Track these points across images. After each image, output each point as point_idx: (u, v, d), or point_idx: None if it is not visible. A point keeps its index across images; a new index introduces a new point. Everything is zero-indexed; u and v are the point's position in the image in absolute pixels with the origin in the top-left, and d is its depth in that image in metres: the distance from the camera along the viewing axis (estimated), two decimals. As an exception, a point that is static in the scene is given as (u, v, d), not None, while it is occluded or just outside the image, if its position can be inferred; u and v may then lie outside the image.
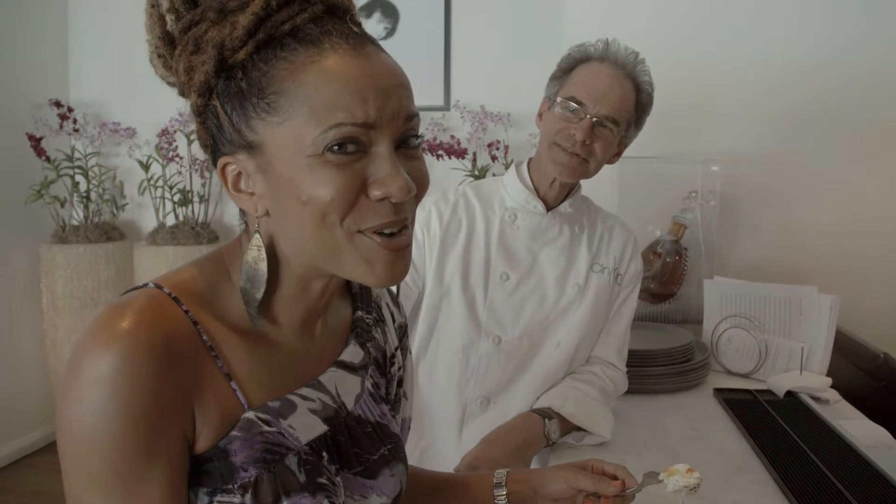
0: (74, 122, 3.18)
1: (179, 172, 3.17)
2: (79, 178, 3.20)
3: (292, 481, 0.65)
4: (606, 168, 1.40)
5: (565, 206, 1.39)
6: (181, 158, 3.12)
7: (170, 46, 0.65)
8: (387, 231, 0.63)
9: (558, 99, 1.32)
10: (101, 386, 0.57)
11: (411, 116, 0.64)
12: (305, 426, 0.68)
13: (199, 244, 3.07)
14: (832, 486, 1.12)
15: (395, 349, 0.86)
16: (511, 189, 1.40)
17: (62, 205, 3.15)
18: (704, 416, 1.49)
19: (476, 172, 2.86)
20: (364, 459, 0.74)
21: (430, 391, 1.37)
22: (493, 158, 2.87)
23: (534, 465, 1.27)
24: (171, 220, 3.19)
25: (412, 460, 0.87)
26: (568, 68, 1.35)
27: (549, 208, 1.39)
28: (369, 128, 0.61)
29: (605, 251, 1.42)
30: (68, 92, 3.38)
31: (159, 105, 3.07)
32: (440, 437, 1.36)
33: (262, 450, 0.64)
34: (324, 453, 0.69)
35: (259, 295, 0.65)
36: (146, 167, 3.15)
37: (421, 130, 0.67)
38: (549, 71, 1.38)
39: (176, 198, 3.16)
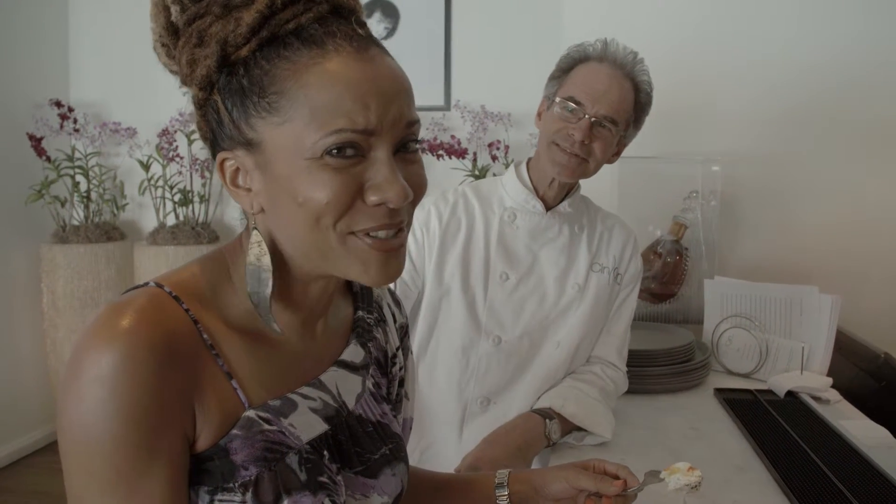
0: (75, 121, 3.18)
1: (180, 172, 3.17)
2: (79, 177, 3.21)
3: (293, 480, 0.65)
4: (607, 168, 1.40)
5: (565, 206, 1.39)
6: (181, 158, 3.12)
7: (173, 37, 0.65)
8: (381, 234, 0.63)
9: (557, 99, 1.32)
10: (101, 385, 0.57)
11: (412, 123, 0.64)
12: (306, 425, 0.68)
13: (199, 244, 3.07)
14: (833, 486, 1.12)
15: (397, 349, 0.86)
16: (510, 189, 1.40)
17: (63, 205, 3.15)
18: (705, 416, 1.49)
19: (476, 172, 2.85)
20: (365, 459, 0.74)
21: (431, 391, 1.37)
22: (494, 158, 2.87)
23: (534, 465, 1.27)
24: (171, 220, 3.19)
25: (412, 460, 0.87)
26: (567, 68, 1.35)
27: (548, 208, 1.39)
28: (369, 134, 0.61)
29: (604, 251, 1.42)
30: (69, 92, 3.38)
31: (160, 105, 3.08)
32: (440, 438, 1.36)
33: (263, 448, 0.64)
34: (325, 452, 0.69)
35: (268, 292, 0.65)
36: (146, 167, 3.15)
37: (421, 130, 0.67)
38: (550, 71, 1.38)
39: (176, 198, 3.16)
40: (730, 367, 1.80)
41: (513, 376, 1.36)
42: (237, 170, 0.65)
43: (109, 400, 0.57)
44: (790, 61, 2.15)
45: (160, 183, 3.17)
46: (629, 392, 1.49)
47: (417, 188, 0.65)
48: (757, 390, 1.61)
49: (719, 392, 1.61)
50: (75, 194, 3.20)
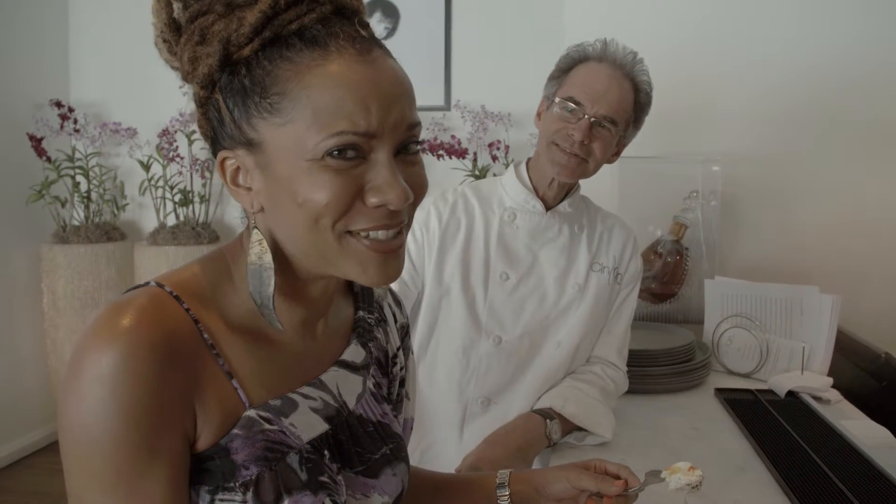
0: (75, 122, 3.18)
1: (180, 172, 3.17)
2: (79, 178, 3.21)
3: (294, 480, 0.65)
4: (607, 168, 1.40)
5: (564, 206, 1.39)
6: (182, 158, 3.12)
7: (175, 33, 0.65)
8: (381, 234, 0.63)
9: (556, 99, 1.32)
10: (102, 384, 0.57)
11: (413, 125, 0.64)
12: (307, 425, 0.68)
13: (199, 244, 3.07)
14: (833, 486, 1.12)
15: (398, 349, 0.86)
16: (510, 189, 1.40)
17: (63, 205, 3.15)
18: (705, 416, 1.49)
19: (477, 172, 2.86)
20: (366, 459, 0.74)
21: (431, 392, 1.36)
22: (494, 158, 2.87)
23: (535, 465, 1.27)
24: (171, 221, 3.19)
25: (412, 461, 0.87)
26: (566, 68, 1.34)
27: (548, 208, 1.39)
28: (370, 137, 0.61)
29: (604, 250, 1.42)
30: (69, 92, 3.38)
31: (160, 105, 3.08)
32: (441, 438, 1.36)
33: (264, 448, 0.64)
34: (325, 452, 0.69)
35: (271, 290, 0.64)
36: (147, 167, 3.15)
37: (422, 130, 0.67)
38: (550, 71, 1.38)
39: (177, 198, 3.17)
40: (730, 367, 1.80)
41: (513, 376, 1.36)
42: (238, 169, 0.65)
43: (110, 399, 0.57)
44: (790, 61, 2.15)
45: (160, 183, 3.17)
46: (629, 392, 1.49)
47: (418, 189, 0.65)
48: (757, 390, 1.61)
49: (720, 392, 1.61)
50: (76, 194, 3.21)
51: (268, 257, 0.65)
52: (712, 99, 2.21)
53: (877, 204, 2.15)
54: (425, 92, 2.90)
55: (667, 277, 2.00)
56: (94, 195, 3.24)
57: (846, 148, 2.15)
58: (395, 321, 0.87)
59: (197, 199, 3.17)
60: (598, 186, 1.59)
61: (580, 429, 1.31)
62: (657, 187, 2.13)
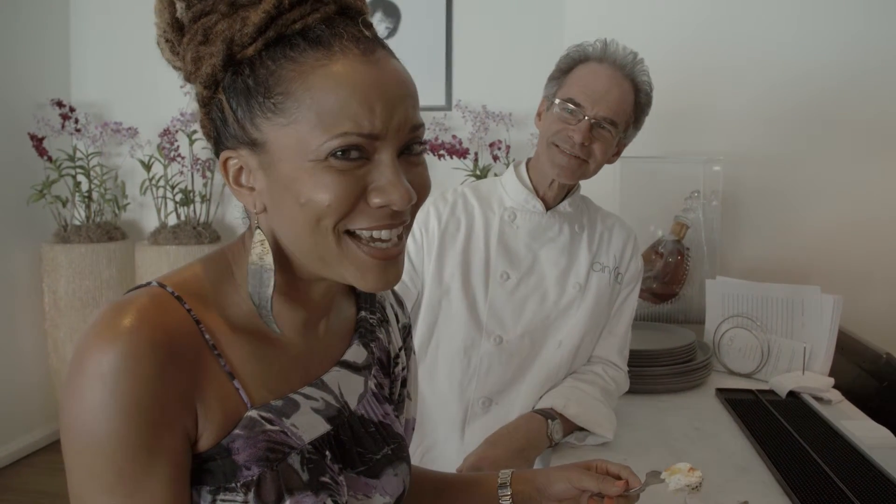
0: (76, 121, 3.18)
1: (181, 172, 3.17)
2: (80, 177, 3.21)
3: (295, 480, 0.65)
4: (608, 168, 1.40)
5: (565, 206, 1.39)
6: (183, 158, 3.13)
7: (178, 33, 0.65)
8: (383, 235, 0.63)
9: (556, 100, 1.32)
10: (102, 383, 0.57)
11: (416, 127, 0.64)
12: (308, 425, 0.68)
13: (200, 244, 3.07)
14: (834, 487, 1.12)
15: (399, 349, 0.86)
16: (510, 189, 1.40)
17: (64, 204, 3.16)
18: (706, 416, 1.49)
19: (478, 172, 2.86)
20: (367, 459, 0.74)
21: (432, 392, 1.36)
22: (495, 158, 2.87)
23: (536, 465, 1.27)
24: (172, 220, 3.20)
25: (413, 462, 0.87)
26: (566, 69, 1.34)
27: (548, 208, 1.39)
28: (374, 138, 0.61)
29: (605, 250, 1.42)
30: (70, 92, 3.39)
31: (161, 105, 3.09)
32: (442, 439, 1.36)
33: (265, 448, 0.64)
34: (327, 452, 0.69)
35: (270, 291, 0.65)
36: (148, 167, 3.16)
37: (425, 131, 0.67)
38: (551, 71, 1.38)
39: (178, 197, 3.17)
40: (731, 367, 1.80)
41: (514, 376, 1.36)
42: (240, 169, 0.65)
43: (110, 399, 0.57)
44: (790, 61, 2.15)
45: (161, 183, 3.17)
46: (630, 392, 1.49)
47: (421, 190, 0.65)
48: (758, 390, 1.61)
49: (721, 392, 1.61)
50: (77, 194, 3.21)
51: (269, 258, 0.65)
52: (713, 99, 2.21)
53: (878, 204, 2.15)
54: (426, 92, 2.89)
55: (668, 277, 1.99)
56: (95, 195, 3.24)
57: (848, 148, 2.15)
58: (398, 321, 0.87)
59: (198, 198, 3.18)
60: (600, 186, 1.59)
61: (581, 429, 1.31)
62: (658, 187, 2.13)
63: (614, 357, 1.44)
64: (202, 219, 3.19)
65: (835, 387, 1.61)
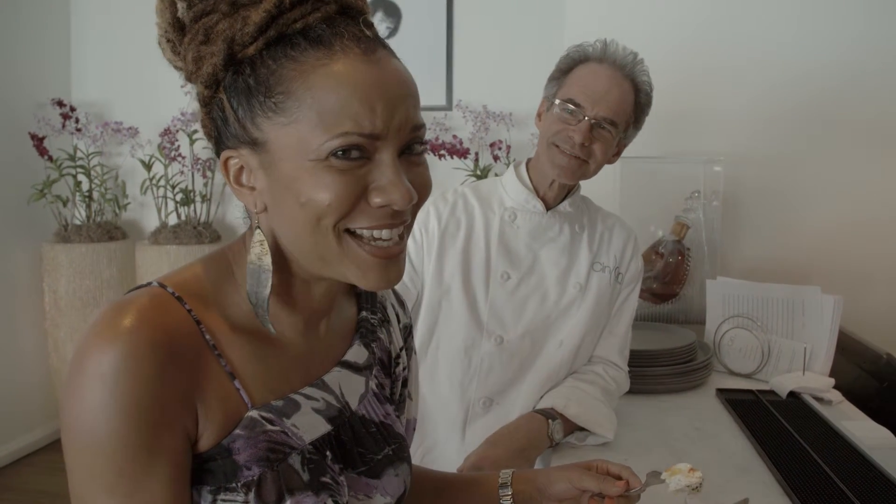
0: (77, 121, 3.18)
1: (182, 172, 3.17)
2: (81, 177, 3.21)
3: (296, 480, 0.65)
4: (609, 168, 1.40)
5: (565, 206, 1.39)
6: (183, 158, 3.13)
7: (179, 33, 0.65)
8: (384, 234, 0.63)
9: (556, 100, 1.32)
10: (103, 383, 0.57)
11: (418, 126, 0.64)
12: (309, 425, 0.68)
13: (201, 244, 3.07)
14: (835, 487, 1.12)
15: (400, 350, 0.86)
16: (510, 189, 1.40)
17: (64, 204, 3.16)
18: (707, 416, 1.49)
19: (478, 172, 2.86)
20: (368, 459, 0.74)
21: (432, 393, 1.36)
22: (496, 158, 2.87)
23: (537, 465, 1.27)
24: (173, 220, 3.20)
25: (414, 462, 0.87)
26: (566, 69, 1.34)
27: (548, 208, 1.39)
28: (375, 138, 0.61)
29: (605, 250, 1.42)
30: (70, 91, 3.39)
31: (161, 104, 3.09)
32: (443, 439, 1.36)
33: (266, 448, 0.64)
34: (327, 452, 0.69)
35: (267, 292, 0.65)
36: (148, 167, 3.16)
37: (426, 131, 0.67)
38: (551, 71, 1.38)
39: (178, 197, 3.17)
40: (732, 367, 1.80)
41: (515, 376, 1.36)
42: (241, 168, 0.65)
43: (111, 399, 0.57)
44: (790, 61, 2.15)
45: (162, 182, 3.17)
46: (631, 392, 1.49)
47: (422, 190, 0.65)
48: (759, 391, 1.61)
49: (721, 392, 1.61)
50: (77, 194, 3.21)
51: (267, 259, 0.65)
52: (713, 99, 2.20)
53: (879, 204, 2.15)
54: (427, 92, 2.88)
55: (668, 277, 1.99)
56: (95, 194, 3.24)
57: (848, 148, 2.15)
58: (399, 321, 0.87)
59: (198, 198, 3.18)
60: (600, 186, 1.59)
61: (582, 429, 1.31)
62: (659, 187, 2.13)
63: (615, 357, 1.44)
64: (203, 218, 3.19)
65: (835, 387, 1.61)
